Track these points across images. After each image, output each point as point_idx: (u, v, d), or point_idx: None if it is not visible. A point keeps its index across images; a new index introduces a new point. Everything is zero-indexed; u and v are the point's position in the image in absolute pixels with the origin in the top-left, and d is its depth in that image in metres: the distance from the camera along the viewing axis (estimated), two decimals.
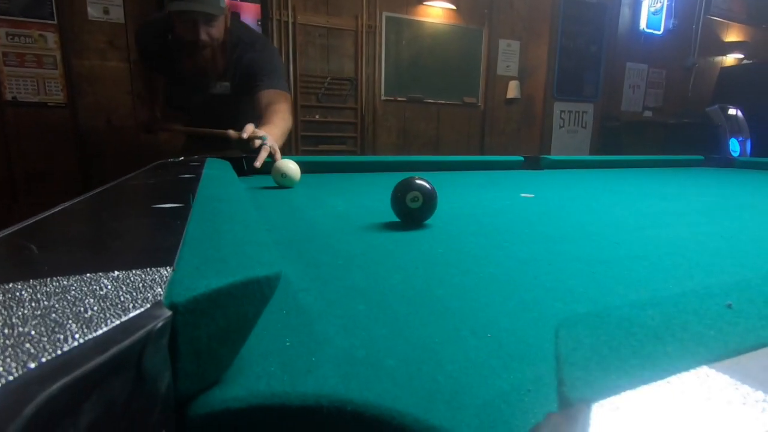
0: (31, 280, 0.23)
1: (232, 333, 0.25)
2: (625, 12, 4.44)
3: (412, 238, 0.61)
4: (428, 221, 0.71)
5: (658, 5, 4.55)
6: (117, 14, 2.66)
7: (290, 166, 1.07)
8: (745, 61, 5.22)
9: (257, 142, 1.28)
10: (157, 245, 0.32)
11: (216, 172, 0.88)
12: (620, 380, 0.22)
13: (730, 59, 5.26)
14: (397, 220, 0.70)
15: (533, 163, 1.78)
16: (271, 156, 1.29)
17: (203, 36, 1.48)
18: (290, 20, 3.07)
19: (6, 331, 0.18)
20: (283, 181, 1.07)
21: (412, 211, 0.67)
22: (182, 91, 1.74)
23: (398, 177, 0.71)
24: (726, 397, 0.19)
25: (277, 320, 0.33)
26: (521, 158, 1.79)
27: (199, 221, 0.39)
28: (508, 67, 3.97)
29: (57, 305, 0.21)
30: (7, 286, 0.22)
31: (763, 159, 2.14)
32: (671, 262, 0.52)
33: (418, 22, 3.53)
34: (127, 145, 2.80)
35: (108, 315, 0.20)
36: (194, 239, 0.33)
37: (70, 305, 0.21)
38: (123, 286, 0.23)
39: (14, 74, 2.50)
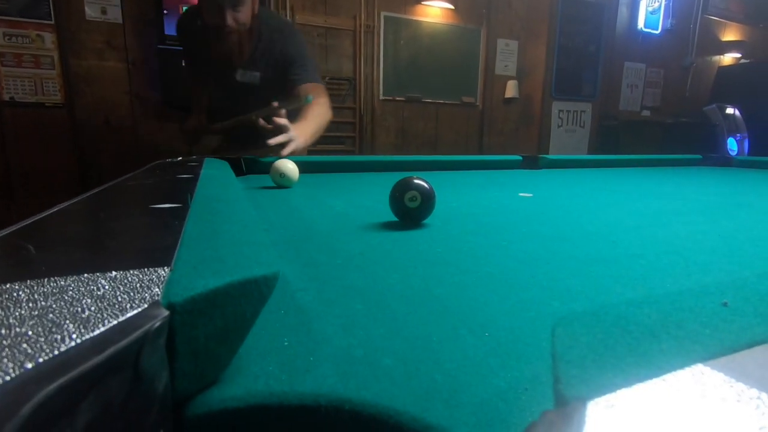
0: (28, 281, 0.23)
1: (230, 333, 0.25)
2: (623, 12, 4.45)
3: (411, 238, 0.61)
4: (426, 221, 0.71)
5: (656, 5, 4.56)
6: (114, 14, 2.66)
7: (288, 166, 1.07)
8: (742, 61, 5.24)
9: (282, 138, 1.30)
10: (154, 245, 0.32)
11: (214, 172, 0.88)
12: (616, 378, 0.22)
13: (728, 58, 5.27)
14: (396, 219, 0.70)
15: (531, 162, 1.78)
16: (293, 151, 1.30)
17: (230, 21, 1.46)
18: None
19: (3, 331, 0.18)
20: (282, 181, 1.07)
21: (410, 211, 0.67)
22: (219, 88, 1.72)
23: (397, 176, 0.71)
24: (721, 394, 0.19)
25: (276, 320, 0.33)
26: (519, 158, 1.79)
27: (197, 221, 0.39)
28: (506, 66, 3.97)
29: (54, 305, 0.21)
30: (4, 287, 0.22)
31: (761, 158, 2.14)
32: (668, 261, 0.52)
33: (417, 21, 3.53)
34: (125, 146, 2.80)
35: (105, 315, 0.20)
36: (192, 239, 0.33)
37: (68, 305, 0.21)
38: (120, 286, 0.23)
39: (12, 74, 2.49)
